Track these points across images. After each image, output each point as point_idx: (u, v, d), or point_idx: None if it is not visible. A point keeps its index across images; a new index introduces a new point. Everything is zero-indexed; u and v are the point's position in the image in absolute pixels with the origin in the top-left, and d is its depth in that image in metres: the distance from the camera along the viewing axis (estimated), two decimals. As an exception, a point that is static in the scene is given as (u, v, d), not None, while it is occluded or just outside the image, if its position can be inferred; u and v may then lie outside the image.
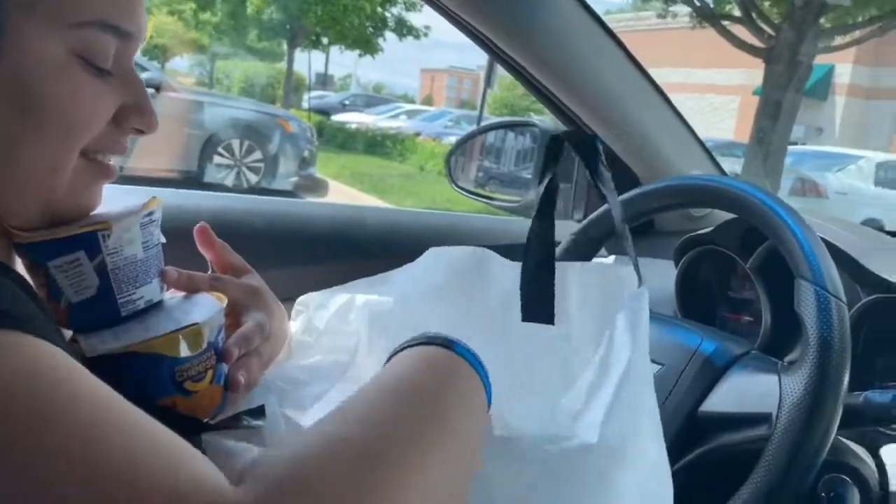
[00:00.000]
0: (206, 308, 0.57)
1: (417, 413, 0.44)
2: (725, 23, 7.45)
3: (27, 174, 0.48)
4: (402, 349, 0.51)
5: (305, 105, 15.42)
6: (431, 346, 0.50)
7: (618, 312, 0.61)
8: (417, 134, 13.31)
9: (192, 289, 0.60)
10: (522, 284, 0.69)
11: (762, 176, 6.76)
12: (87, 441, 0.36)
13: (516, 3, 1.00)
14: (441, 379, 0.48)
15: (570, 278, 0.69)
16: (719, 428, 0.77)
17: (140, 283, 0.54)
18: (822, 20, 6.89)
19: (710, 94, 14.31)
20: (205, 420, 0.56)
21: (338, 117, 15.09)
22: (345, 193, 8.18)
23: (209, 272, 0.67)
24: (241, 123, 6.81)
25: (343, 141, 12.88)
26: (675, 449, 0.79)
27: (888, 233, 1.05)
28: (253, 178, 6.82)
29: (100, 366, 0.50)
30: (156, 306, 0.56)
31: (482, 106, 9.70)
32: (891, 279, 0.84)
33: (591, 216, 1.02)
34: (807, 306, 0.71)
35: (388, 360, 0.51)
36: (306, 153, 7.11)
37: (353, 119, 14.68)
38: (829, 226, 0.92)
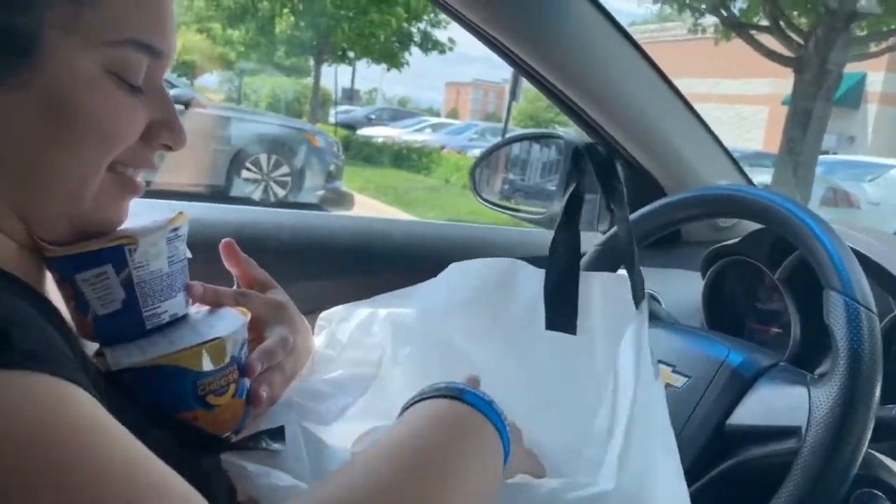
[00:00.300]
0: (230, 322, 0.57)
1: (426, 474, 0.45)
2: (753, 32, 7.38)
3: (57, 187, 0.49)
4: (413, 403, 0.52)
5: (332, 119, 15.59)
6: (442, 399, 0.51)
7: (628, 326, 0.61)
8: (442, 147, 13.36)
9: (216, 303, 0.61)
10: (546, 294, 0.69)
11: (793, 186, 6.67)
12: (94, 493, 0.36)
13: (540, 15, 1.00)
14: (451, 436, 0.49)
15: (594, 289, 0.69)
16: (747, 441, 0.76)
17: (165, 297, 0.55)
18: (852, 28, 6.79)
19: (737, 104, 14.16)
20: (226, 434, 0.56)
21: (364, 131, 15.21)
22: (370, 206, 8.23)
23: (234, 287, 0.67)
24: (268, 138, 6.91)
25: (369, 154, 12.97)
26: (703, 462, 0.78)
27: (920, 243, 1.03)
28: (280, 192, 6.90)
29: (124, 378, 0.51)
30: (180, 320, 0.57)
31: (507, 118, 9.71)
32: (924, 290, 0.83)
33: (615, 227, 1.02)
34: (836, 317, 0.70)
35: (401, 413, 0.52)
36: (332, 167, 7.18)
37: (378, 133, 14.79)
38: (860, 236, 0.90)
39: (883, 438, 0.74)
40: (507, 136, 1.64)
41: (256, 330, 0.62)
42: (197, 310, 0.61)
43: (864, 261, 0.88)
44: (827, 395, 0.68)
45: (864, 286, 0.71)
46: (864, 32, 7.32)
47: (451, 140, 14.33)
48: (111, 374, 0.52)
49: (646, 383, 0.58)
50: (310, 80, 17.13)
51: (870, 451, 0.81)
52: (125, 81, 0.50)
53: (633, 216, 0.98)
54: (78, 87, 0.48)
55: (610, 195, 0.62)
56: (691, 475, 0.78)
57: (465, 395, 0.52)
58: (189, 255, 0.59)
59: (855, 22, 6.83)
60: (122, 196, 0.54)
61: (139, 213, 0.58)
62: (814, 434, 0.68)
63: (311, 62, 16.69)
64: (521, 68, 1.13)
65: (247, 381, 0.57)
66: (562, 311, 0.67)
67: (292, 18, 14.04)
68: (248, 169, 6.75)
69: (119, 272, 0.53)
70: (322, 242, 1.15)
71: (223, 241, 0.67)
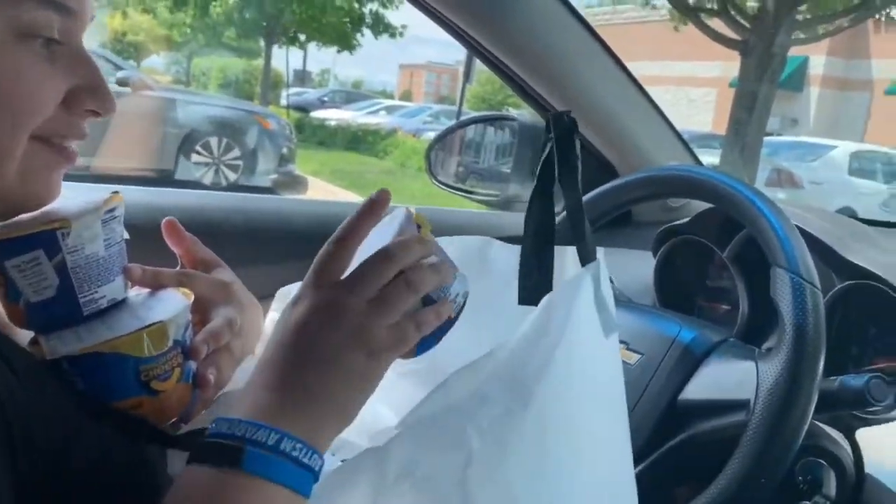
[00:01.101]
0: (172, 305, 0.56)
1: None
2: (702, 16, 7.52)
3: None
4: (192, 460, 0.46)
5: (284, 102, 15.32)
6: (219, 465, 0.45)
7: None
8: (397, 130, 13.28)
9: (157, 285, 0.59)
10: (521, 267, 0.68)
11: (739, 167, 6.83)
12: None
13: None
14: None
15: (568, 262, 0.68)
16: (698, 415, 0.78)
17: (102, 281, 0.53)
18: (795, 12, 6.97)
19: (686, 86, 14.43)
20: (173, 420, 0.55)
21: (317, 114, 15.00)
22: (325, 190, 8.15)
23: (178, 268, 0.65)
24: (218, 121, 6.76)
25: (322, 137, 12.81)
26: (657, 436, 0.80)
27: (862, 220, 1.07)
28: (231, 176, 6.77)
29: (62, 368, 0.50)
30: (119, 304, 0.55)
31: (461, 101, 9.68)
32: (864, 265, 0.86)
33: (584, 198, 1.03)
34: (782, 293, 0.72)
35: (189, 461, 0.47)
36: (285, 150, 7.07)
37: (332, 115, 14.61)
38: (803, 214, 0.93)
39: (826, 409, 0.77)
40: (462, 118, 1.64)
41: (201, 311, 0.60)
42: (137, 293, 0.58)
43: (808, 238, 0.91)
44: (773, 368, 0.71)
45: (808, 263, 0.73)
46: (807, 17, 7.52)
47: (405, 123, 14.24)
48: (48, 362, 0.50)
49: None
50: (260, 62, 16.80)
51: (814, 421, 0.84)
52: (35, 44, 0.47)
53: (585, 197, 0.99)
54: None
55: (562, 161, 0.61)
56: (646, 450, 0.80)
57: (246, 459, 0.44)
58: (126, 236, 0.57)
59: (798, 7, 7.01)
60: (49, 167, 0.51)
61: (77, 197, 0.55)
62: (761, 406, 0.70)
63: (262, 43, 16.37)
64: (475, 49, 1.12)
65: (193, 365, 0.55)
66: (534, 285, 0.65)
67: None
68: (198, 152, 6.61)
69: (51, 257, 0.50)
70: (277, 226, 1.14)
71: (164, 219, 0.64)
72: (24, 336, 0.53)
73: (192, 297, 0.58)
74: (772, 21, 6.69)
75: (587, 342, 0.57)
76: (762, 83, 6.65)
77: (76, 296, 0.52)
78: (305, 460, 0.46)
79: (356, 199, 7.55)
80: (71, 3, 0.49)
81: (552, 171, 0.61)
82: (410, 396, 0.63)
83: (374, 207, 0.54)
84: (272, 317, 0.72)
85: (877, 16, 11.97)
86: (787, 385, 0.69)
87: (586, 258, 0.62)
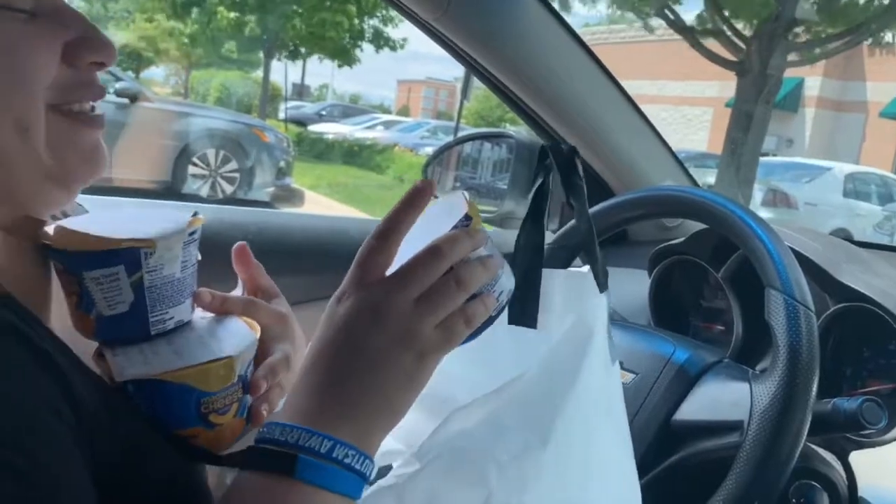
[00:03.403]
0: (240, 337, 0.55)
1: None
2: (699, 36, 7.59)
3: (2, 144, 0.46)
4: (245, 467, 0.47)
5: (282, 115, 15.37)
6: (272, 474, 0.45)
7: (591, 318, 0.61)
8: (395, 145, 13.31)
9: (224, 311, 0.58)
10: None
11: (735, 187, 6.87)
12: None
13: (491, 15, 1.01)
14: None
15: (556, 285, 0.70)
16: (693, 436, 0.78)
17: (174, 302, 0.53)
18: (791, 34, 7.05)
19: (683, 106, 14.55)
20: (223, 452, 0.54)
21: (314, 127, 15.04)
22: (322, 204, 8.15)
23: (240, 293, 0.64)
24: (216, 133, 6.78)
25: (320, 151, 12.84)
26: (651, 456, 0.80)
27: (856, 243, 1.07)
28: (228, 189, 6.78)
29: (126, 389, 0.50)
30: (184, 327, 0.55)
31: (458, 117, 9.75)
32: (858, 288, 0.86)
33: (567, 226, 1.03)
34: (776, 315, 0.72)
35: (241, 467, 0.47)
36: (283, 163, 7.08)
37: (329, 129, 14.65)
38: (798, 236, 0.93)
39: (820, 432, 0.77)
40: (459, 135, 1.65)
41: (262, 343, 0.59)
42: (202, 316, 0.58)
43: (802, 260, 0.91)
44: (767, 390, 0.71)
45: (802, 285, 0.74)
46: (803, 39, 7.60)
47: (403, 138, 14.29)
48: (112, 381, 0.50)
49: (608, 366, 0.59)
50: (259, 75, 16.87)
51: (808, 443, 0.84)
52: (12, 8, 0.46)
53: (593, 209, 1.00)
54: None
55: (570, 190, 0.62)
56: (640, 470, 0.80)
57: (299, 467, 0.44)
58: (199, 258, 0.56)
59: (794, 29, 7.09)
60: (79, 133, 0.50)
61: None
62: (755, 428, 0.70)
63: (261, 56, 16.44)
64: (473, 67, 1.13)
65: (248, 399, 0.55)
66: (525, 306, 0.67)
67: (233, 14, 13.80)
68: (196, 165, 6.61)
69: (131, 274, 0.50)
70: (276, 240, 1.14)
71: (237, 243, 0.64)
72: (84, 344, 0.52)
73: (259, 332, 0.57)
74: (768, 42, 6.76)
75: (600, 372, 0.58)
76: (758, 103, 6.71)
77: (147, 315, 0.51)
78: (358, 466, 0.46)
79: (353, 213, 7.57)
80: None
81: (545, 198, 0.63)
82: (409, 419, 0.63)
83: (417, 198, 0.52)
84: None
85: (871, 39, 12.13)
86: (781, 407, 0.69)
87: (602, 285, 0.63)
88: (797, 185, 8.27)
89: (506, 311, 0.62)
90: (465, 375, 0.68)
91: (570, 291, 0.65)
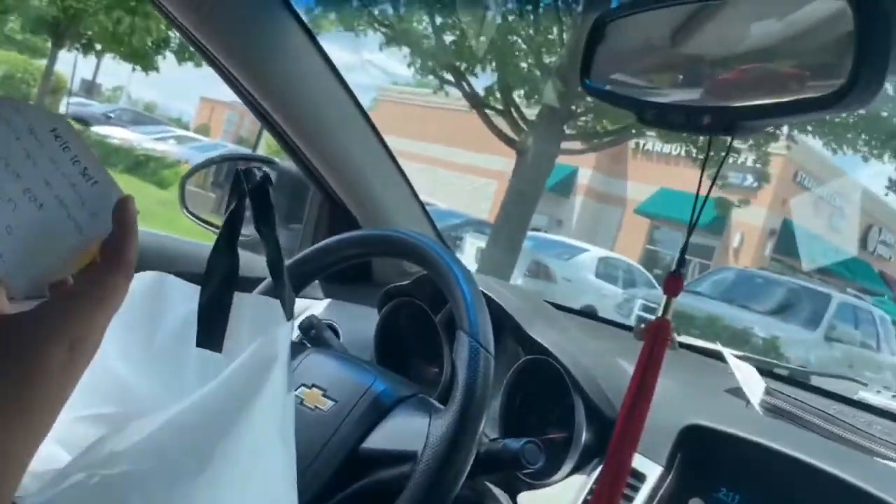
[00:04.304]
0: None
1: None
2: (489, 112, 8.23)
3: None
4: None
5: (63, 109, 13.98)
6: None
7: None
8: (185, 161, 12.62)
9: None
10: (199, 312, 0.68)
11: (501, 252, 7.42)
12: None
13: (250, 31, 1.02)
14: None
15: (245, 309, 0.70)
16: (375, 465, 0.82)
17: None
18: (566, 126, 7.89)
19: (471, 175, 15.48)
20: None
21: (99, 129, 13.83)
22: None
23: None
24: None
25: (102, 155, 11.77)
26: (334, 483, 0.82)
27: (554, 305, 1.20)
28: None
29: None
30: None
31: (257, 144, 9.52)
32: (542, 342, 0.96)
33: (301, 253, 1.05)
34: (460, 355, 0.79)
35: None
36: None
37: (116, 134, 13.58)
38: (499, 288, 1.03)
39: (491, 470, 0.84)
40: (223, 153, 1.62)
41: None
42: None
43: (501, 312, 1.01)
44: (441, 424, 0.76)
45: (487, 330, 0.81)
46: (576, 130, 8.54)
47: (194, 155, 13.53)
48: None
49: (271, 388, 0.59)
50: (43, 63, 15.25)
51: (484, 482, 0.91)
52: None
53: (316, 247, 1.02)
54: None
55: (260, 217, 0.64)
56: (321, 497, 0.82)
57: None
58: None
59: (569, 121, 7.95)
60: None
61: None
62: (425, 458, 0.75)
63: (48, 44, 14.91)
64: (234, 85, 1.12)
65: None
66: (211, 329, 0.67)
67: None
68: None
69: None
70: None
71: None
72: None
73: None
74: (545, 128, 7.49)
75: (274, 400, 0.59)
76: (532, 182, 7.36)
77: None
78: None
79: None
80: None
81: (238, 221, 0.64)
82: (91, 439, 0.59)
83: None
84: None
85: (634, 144, 13.89)
86: (450, 439, 0.75)
87: (288, 314, 0.65)
88: (559, 262, 9.12)
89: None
90: (149, 392, 0.66)
91: (257, 318, 0.66)
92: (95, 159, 0.50)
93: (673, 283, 0.58)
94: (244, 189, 0.65)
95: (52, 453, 0.63)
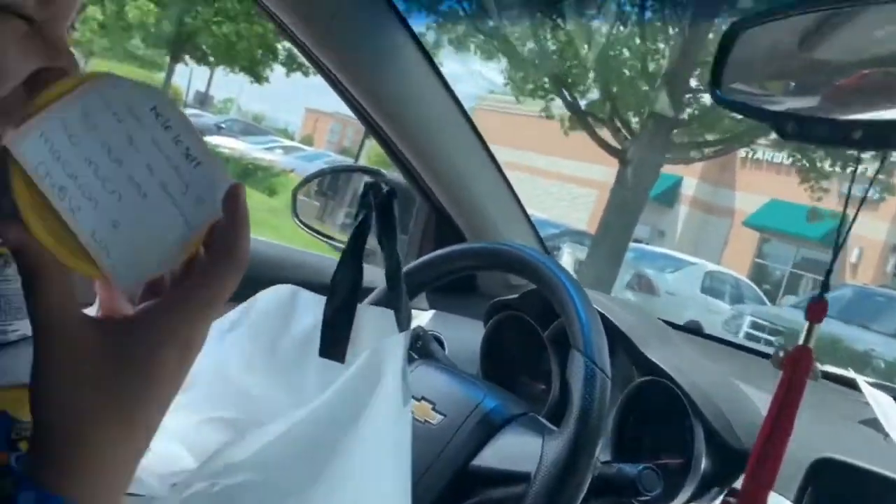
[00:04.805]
0: None
1: None
2: (591, 122, 8.11)
3: None
4: None
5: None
6: None
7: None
8: (291, 170, 13.12)
9: None
10: (323, 323, 0.70)
11: (602, 264, 7.26)
12: None
13: (365, 47, 1.04)
14: None
15: (367, 321, 0.71)
16: (486, 483, 0.80)
17: (22, 315, 0.48)
18: (673, 134, 7.67)
19: (571, 184, 15.27)
20: None
21: (211, 139, 14.60)
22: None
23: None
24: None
25: (213, 165, 12.43)
26: (443, 499, 0.81)
27: (671, 324, 1.15)
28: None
29: None
30: (28, 341, 0.49)
31: (359, 153, 9.78)
32: (659, 363, 0.92)
33: (409, 265, 1.05)
34: (575, 375, 0.76)
35: None
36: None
37: (226, 143, 14.29)
38: (612, 306, 0.99)
39: (606, 495, 0.81)
40: (335, 164, 1.66)
41: None
42: None
43: (615, 331, 0.97)
44: (556, 445, 0.74)
45: (603, 350, 0.78)
46: (682, 140, 8.27)
47: (301, 165, 14.08)
48: None
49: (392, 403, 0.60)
50: (162, 76, 16.28)
51: (596, 504, 0.88)
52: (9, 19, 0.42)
53: (423, 259, 1.03)
54: None
55: (383, 230, 0.65)
56: (432, 511, 0.81)
57: None
58: None
59: (675, 129, 7.72)
60: None
61: None
62: (539, 480, 0.73)
63: (167, 58, 15.91)
64: (347, 98, 1.15)
65: None
66: (335, 339, 0.68)
67: (147, 8, 13.34)
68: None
69: None
70: None
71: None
72: None
73: None
74: (650, 138, 7.30)
75: (388, 412, 0.59)
76: (635, 192, 7.18)
77: None
78: None
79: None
80: None
81: (364, 235, 0.65)
82: (213, 443, 0.62)
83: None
84: None
85: (743, 152, 13.31)
86: (565, 462, 0.72)
87: (403, 325, 0.65)
88: (662, 274, 8.85)
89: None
90: (270, 399, 0.68)
91: (375, 328, 0.66)
92: (198, 136, 0.46)
93: (816, 308, 0.54)
94: (371, 202, 0.66)
95: (175, 454, 0.65)
